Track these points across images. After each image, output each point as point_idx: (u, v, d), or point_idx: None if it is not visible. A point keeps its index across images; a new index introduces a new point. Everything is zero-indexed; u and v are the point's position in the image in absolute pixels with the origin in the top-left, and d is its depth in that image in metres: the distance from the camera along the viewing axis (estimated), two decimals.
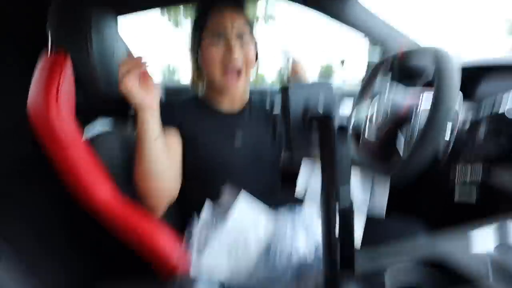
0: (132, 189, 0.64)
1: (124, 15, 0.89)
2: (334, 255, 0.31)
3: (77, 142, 0.52)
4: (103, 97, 0.68)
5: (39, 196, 0.53)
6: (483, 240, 0.40)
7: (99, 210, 0.52)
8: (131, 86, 0.52)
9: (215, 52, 0.64)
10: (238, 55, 0.63)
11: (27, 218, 0.49)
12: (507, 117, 0.46)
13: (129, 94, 0.53)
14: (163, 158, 0.58)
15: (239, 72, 0.65)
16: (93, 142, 0.62)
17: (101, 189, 0.52)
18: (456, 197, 0.61)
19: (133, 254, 0.54)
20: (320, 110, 0.28)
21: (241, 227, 0.50)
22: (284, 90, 0.30)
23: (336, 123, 0.26)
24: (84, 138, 0.58)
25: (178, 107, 0.70)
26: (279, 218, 0.52)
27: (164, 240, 0.52)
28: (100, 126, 0.67)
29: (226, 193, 0.60)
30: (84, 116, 0.62)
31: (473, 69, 0.80)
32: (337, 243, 0.31)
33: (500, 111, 0.47)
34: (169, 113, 0.66)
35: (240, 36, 0.65)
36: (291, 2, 0.99)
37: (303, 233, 0.48)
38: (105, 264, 0.65)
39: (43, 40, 0.62)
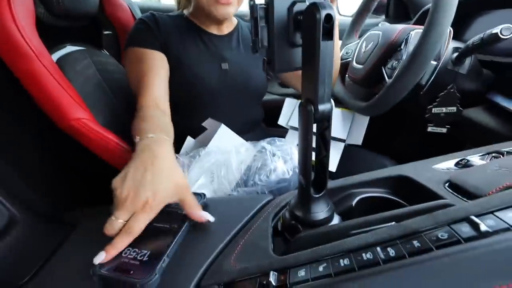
0: (108, 116, 0.62)
1: None
2: (308, 168, 0.32)
3: (40, 55, 0.46)
4: (68, 15, 0.59)
5: (13, 118, 0.49)
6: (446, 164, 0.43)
7: (72, 129, 0.49)
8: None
9: None
10: None
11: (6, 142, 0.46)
12: (501, 36, 0.45)
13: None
14: None
15: (229, 3, 0.61)
16: (62, 62, 0.57)
17: (75, 109, 0.49)
18: (429, 128, 0.64)
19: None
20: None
21: (222, 151, 0.51)
22: None
23: (322, 11, 0.24)
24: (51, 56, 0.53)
25: (163, 23, 0.64)
26: (259, 145, 0.53)
27: None
28: (67, 50, 0.61)
29: (208, 126, 0.59)
30: (48, 39, 0.55)
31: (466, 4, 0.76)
32: (311, 153, 0.32)
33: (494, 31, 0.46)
34: (153, 31, 0.62)
35: None
36: None
37: (282, 158, 0.50)
38: (90, 189, 0.66)
39: None
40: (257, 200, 0.39)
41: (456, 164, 0.41)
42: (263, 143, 0.53)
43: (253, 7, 0.28)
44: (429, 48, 0.45)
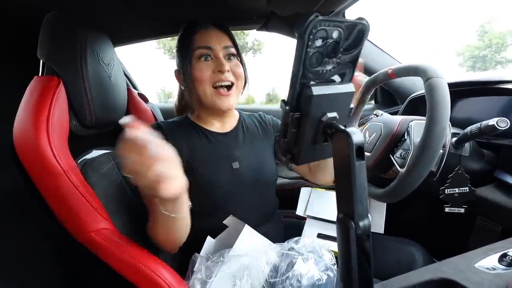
0: (127, 217, 0.61)
1: (116, 45, 0.90)
2: (352, 277, 0.30)
3: (68, 171, 0.49)
4: (98, 125, 0.65)
5: (28, 227, 0.49)
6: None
7: (91, 242, 0.48)
8: (177, 188, 0.41)
9: (205, 68, 0.64)
10: (227, 69, 0.64)
11: (17, 250, 0.44)
12: (498, 127, 0.50)
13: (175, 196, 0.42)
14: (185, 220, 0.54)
15: (229, 87, 0.66)
16: (87, 167, 0.59)
17: (95, 221, 0.49)
18: (446, 209, 0.64)
19: None
20: (342, 122, 0.29)
21: (247, 254, 0.48)
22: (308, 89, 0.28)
23: (354, 138, 0.26)
24: (77, 163, 0.55)
25: (169, 132, 0.66)
26: (287, 246, 0.51)
27: (164, 276, 0.48)
28: (94, 154, 0.65)
29: (229, 224, 0.58)
30: (76, 146, 0.59)
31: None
32: (355, 265, 0.30)
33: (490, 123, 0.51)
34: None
35: (227, 54, 0.67)
36: (279, 33, 1.05)
37: (312, 259, 0.47)
38: None
39: (33, 62, 0.60)
40: None
41: (500, 261, 0.39)
42: (291, 243, 0.51)
43: (287, 114, 0.30)
44: (436, 141, 0.49)
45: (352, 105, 0.35)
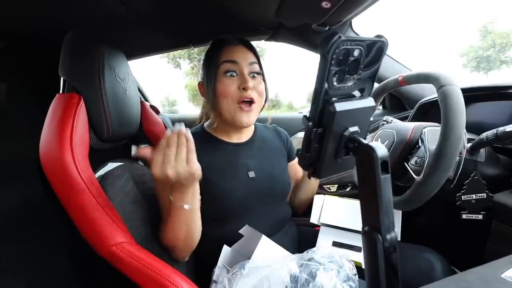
0: (143, 229, 0.62)
1: (130, 59, 0.92)
2: None
3: (91, 186, 0.50)
4: (114, 139, 0.67)
5: (47, 239, 0.50)
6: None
7: (113, 255, 0.49)
8: (194, 168, 0.50)
9: (230, 84, 0.66)
10: (251, 86, 0.66)
11: (36, 262, 0.45)
12: None
13: (191, 178, 0.50)
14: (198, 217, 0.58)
15: (250, 103, 0.67)
16: (103, 181, 0.60)
17: (116, 234, 0.50)
18: (463, 216, 0.63)
19: None
20: (363, 135, 0.29)
21: (266, 265, 0.48)
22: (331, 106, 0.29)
23: (379, 152, 0.27)
24: (96, 176, 0.57)
25: None
26: (306, 257, 0.51)
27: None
28: (109, 167, 0.66)
29: (245, 233, 0.58)
30: (92, 159, 0.60)
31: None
32: (383, 278, 0.30)
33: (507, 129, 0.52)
34: None
35: (251, 72, 0.68)
36: (287, 43, 1.06)
37: (332, 269, 0.47)
38: None
39: (55, 80, 0.62)
40: None
41: None
42: (310, 253, 0.51)
43: (310, 130, 0.31)
44: (452, 150, 0.50)
45: (371, 118, 0.36)
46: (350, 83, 0.31)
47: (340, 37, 0.26)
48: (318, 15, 0.76)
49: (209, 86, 0.68)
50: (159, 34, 0.84)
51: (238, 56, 0.67)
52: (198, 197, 0.56)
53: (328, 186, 1.15)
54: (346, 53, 0.28)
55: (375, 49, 0.30)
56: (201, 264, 0.69)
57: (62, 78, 0.60)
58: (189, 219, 0.56)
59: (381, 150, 0.28)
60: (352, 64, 0.29)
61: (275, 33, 0.98)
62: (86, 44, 0.60)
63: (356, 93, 0.33)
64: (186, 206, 0.53)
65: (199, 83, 0.74)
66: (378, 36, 0.30)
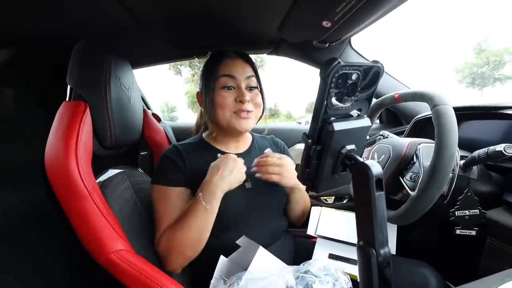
0: (142, 237, 0.62)
1: (134, 68, 0.95)
2: None
3: (93, 193, 0.51)
4: (116, 146, 0.68)
5: (45, 244, 0.50)
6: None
7: (110, 262, 0.49)
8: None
9: (228, 96, 0.68)
10: (248, 99, 0.68)
11: (32, 267, 0.46)
12: (505, 153, 0.52)
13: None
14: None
15: (249, 113, 0.69)
16: (104, 188, 0.61)
17: (115, 242, 0.50)
18: (457, 231, 0.64)
19: None
20: (359, 153, 0.31)
21: (263, 277, 0.49)
22: (330, 125, 0.31)
23: (373, 170, 0.29)
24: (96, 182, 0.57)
25: (187, 154, 0.69)
26: (303, 269, 0.51)
27: None
28: (110, 173, 0.67)
29: (242, 244, 0.59)
30: (95, 165, 0.61)
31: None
32: None
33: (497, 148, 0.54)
34: (178, 165, 0.67)
35: (249, 85, 0.70)
36: (288, 58, 1.09)
37: (328, 282, 0.48)
38: None
39: (62, 87, 0.63)
40: None
41: None
42: (306, 265, 0.52)
43: (309, 147, 0.33)
44: (445, 167, 0.51)
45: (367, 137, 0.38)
46: (348, 104, 0.33)
47: (339, 62, 0.28)
48: (319, 33, 0.79)
49: (207, 97, 0.69)
50: (164, 45, 0.87)
51: (237, 71, 0.69)
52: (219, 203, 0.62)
53: (325, 198, 1.16)
54: (345, 77, 0.30)
55: (372, 73, 0.32)
56: (197, 274, 0.69)
57: (69, 86, 0.61)
58: (208, 222, 0.60)
59: (376, 168, 0.30)
60: (350, 87, 0.31)
61: (277, 48, 1.01)
62: (94, 55, 0.62)
63: (354, 113, 0.35)
64: (208, 207, 0.59)
65: (197, 93, 0.76)
66: (375, 61, 0.32)
